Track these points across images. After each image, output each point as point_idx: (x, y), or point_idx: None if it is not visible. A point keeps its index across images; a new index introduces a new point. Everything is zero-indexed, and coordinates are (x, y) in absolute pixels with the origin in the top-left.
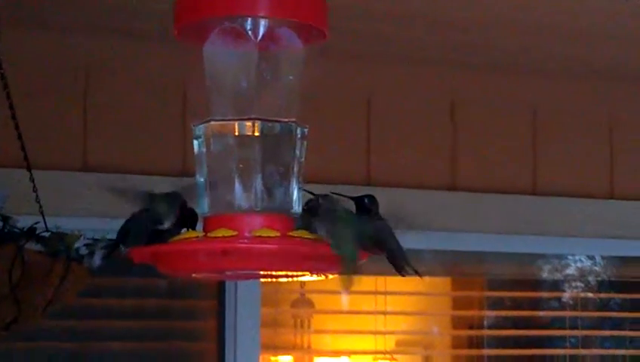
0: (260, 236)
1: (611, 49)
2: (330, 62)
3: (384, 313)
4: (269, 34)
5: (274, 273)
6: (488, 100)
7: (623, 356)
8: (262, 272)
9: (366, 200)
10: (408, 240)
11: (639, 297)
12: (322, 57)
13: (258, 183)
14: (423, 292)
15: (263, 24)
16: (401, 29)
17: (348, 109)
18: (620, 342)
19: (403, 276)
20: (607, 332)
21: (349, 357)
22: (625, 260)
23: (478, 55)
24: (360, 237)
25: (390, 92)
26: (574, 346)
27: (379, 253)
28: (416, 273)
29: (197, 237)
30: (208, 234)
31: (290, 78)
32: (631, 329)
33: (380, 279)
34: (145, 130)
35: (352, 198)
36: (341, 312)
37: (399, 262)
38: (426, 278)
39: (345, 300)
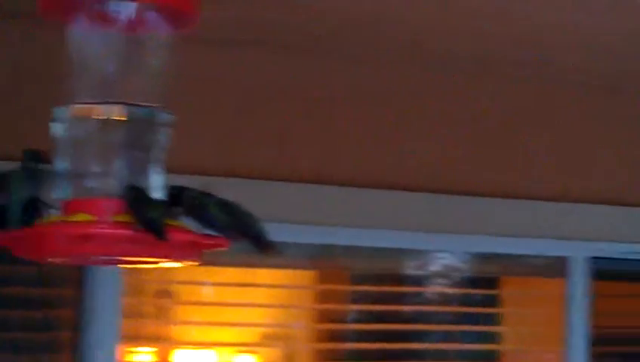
0: (119, 221)
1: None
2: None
3: (248, 305)
4: (136, 17)
5: (133, 259)
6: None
7: (484, 350)
8: (121, 258)
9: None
10: (274, 233)
11: (499, 293)
12: (197, 44)
13: (119, 168)
14: (287, 285)
15: (129, 7)
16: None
17: (213, 97)
18: (479, 337)
19: (265, 257)
20: (468, 327)
21: (212, 349)
22: (486, 256)
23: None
24: (224, 222)
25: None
26: (436, 341)
27: (241, 239)
28: (276, 251)
29: (54, 221)
30: (66, 218)
31: (156, 63)
32: (491, 325)
33: (245, 271)
34: None
35: (206, 185)
36: (205, 304)
37: (263, 247)
38: (291, 271)
39: (208, 291)
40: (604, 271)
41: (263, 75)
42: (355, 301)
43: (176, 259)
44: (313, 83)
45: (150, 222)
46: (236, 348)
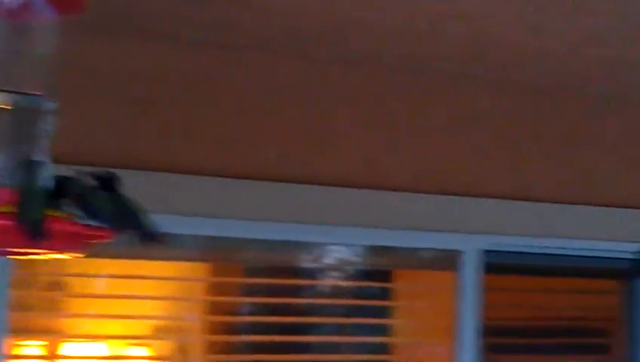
0: (3, 211)
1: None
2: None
3: (141, 298)
4: (22, 3)
5: (18, 250)
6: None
7: (378, 343)
8: (6, 249)
9: (108, 178)
10: (167, 225)
11: (392, 286)
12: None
13: (4, 157)
14: (180, 278)
15: None
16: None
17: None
18: (372, 330)
19: (152, 248)
20: (361, 320)
21: (104, 342)
22: (379, 249)
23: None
24: (109, 213)
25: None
26: (329, 333)
27: (126, 231)
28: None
29: None
30: None
31: (42, 49)
32: (385, 317)
33: (137, 263)
34: None
35: (94, 176)
36: (97, 296)
37: (149, 239)
38: (184, 263)
39: (100, 284)
40: (496, 265)
41: (163, 68)
42: (248, 293)
43: (60, 251)
44: (216, 76)
45: (28, 222)
46: (128, 341)
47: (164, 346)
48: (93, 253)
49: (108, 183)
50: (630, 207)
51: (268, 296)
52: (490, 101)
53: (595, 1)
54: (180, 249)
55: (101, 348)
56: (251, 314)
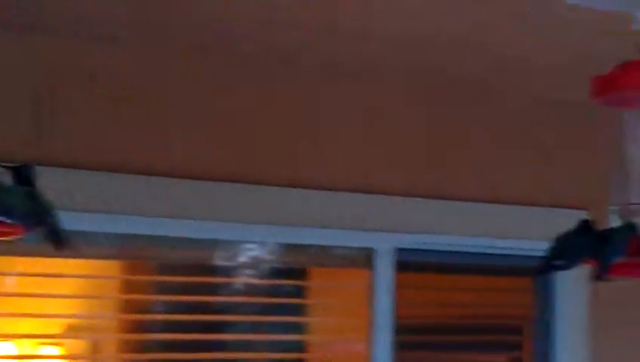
0: None
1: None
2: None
3: (52, 296)
4: None
5: None
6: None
7: (293, 341)
8: None
9: (24, 171)
10: (80, 222)
11: (307, 284)
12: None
13: None
14: (93, 276)
15: None
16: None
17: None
18: (287, 328)
19: (59, 250)
20: (276, 318)
21: (14, 341)
22: (295, 247)
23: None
24: (23, 210)
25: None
26: (245, 331)
27: (36, 228)
28: (69, 245)
29: None
30: None
31: None
32: (300, 315)
33: (49, 261)
34: None
35: (10, 168)
36: (7, 295)
37: (56, 239)
38: (97, 261)
39: (11, 282)
40: (409, 263)
41: (65, 63)
42: (162, 291)
43: None
44: (122, 72)
45: None
46: (40, 340)
47: (77, 345)
48: (3, 251)
49: (24, 176)
50: (541, 205)
51: (182, 293)
52: (404, 99)
53: None
54: (92, 246)
55: (10, 348)
56: (165, 312)
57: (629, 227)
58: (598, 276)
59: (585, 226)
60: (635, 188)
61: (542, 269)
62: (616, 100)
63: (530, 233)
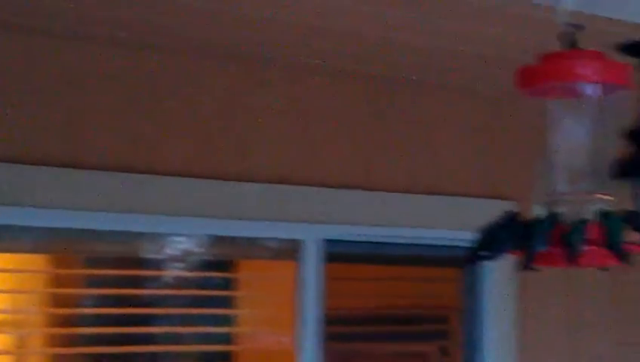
0: None
1: None
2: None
3: None
4: None
5: None
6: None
7: (221, 333)
8: None
9: None
10: (5, 216)
11: (235, 276)
12: None
13: None
14: (19, 270)
15: None
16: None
17: None
18: (216, 320)
19: None
20: (205, 311)
21: None
22: (223, 239)
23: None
24: None
25: None
26: (173, 324)
27: None
28: None
29: None
30: None
31: None
32: (228, 308)
33: None
34: None
35: None
36: None
37: None
38: (22, 255)
39: None
40: (337, 254)
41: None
42: (89, 285)
43: None
44: (43, 65)
45: None
46: None
47: (4, 340)
48: None
49: None
50: (468, 196)
51: (110, 287)
52: (327, 91)
53: None
54: (18, 240)
55: None
56: (93, 305)
57: (553, 217)
58: (524, 266)
59: (510, 217)
60: (559, 178)
61: (468, 260)
62: (540, 90)
63: (457, 223)
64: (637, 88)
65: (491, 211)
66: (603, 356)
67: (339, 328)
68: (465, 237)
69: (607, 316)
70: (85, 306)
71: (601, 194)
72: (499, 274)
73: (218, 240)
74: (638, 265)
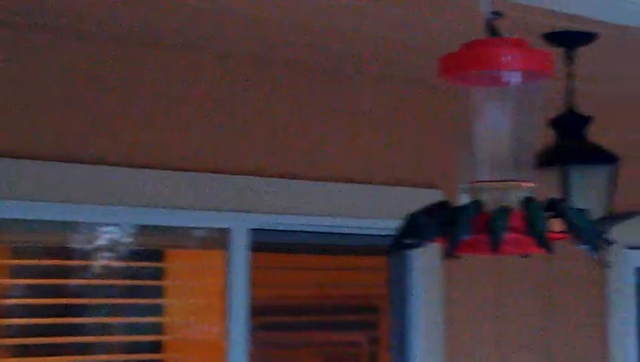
0: None
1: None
2: None
3: None
4: None
5: None
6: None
7: (151, 323)
8: None
9: None
10: None
11: (164, 265)
12: None
13: None
14: None
15: None
16: None
17: None
18: (145, 310)
19: None
20: (134, 301)
21: None
22: (151, 229)
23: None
24: None
25: None
26: (103, 314)
27: None
28: None
29: None
30: None
31: None
32: (157, 297)
33: None
34: None
35: None
36: None
37: None
38: None
39: None
40: (264, 243)
41: None
42: (17, 275)
43: None
44: None
45: None
46: None
47: None
48: None
49: None
50: (393, 185)
51: (38, 277)
52: (252, 79)
53: None
54: None
55: None
56: (21, 296)
57: (476, 205)
58: (448, 254)
59: (434, 204)
60: (483, 166)
61: (393, 248)
62: (463, 78)
63: (384, 212)
64: (564, 77)
65: (418, 199)
66: (528, 343)
67: (268, 318)
68: (392, 225)
69: (532, 304)
70: (12, 297)
71: (525, 182)
72: (425, 263)
73: (146, 229)
74: (562, 253)
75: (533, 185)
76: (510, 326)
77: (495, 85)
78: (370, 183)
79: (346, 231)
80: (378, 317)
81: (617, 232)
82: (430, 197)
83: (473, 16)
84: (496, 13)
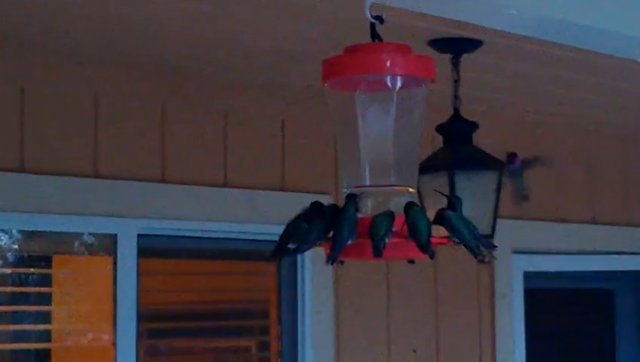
0: None
1: None
2: None
3: None
4: None
5: None
6: None
7: (39, 330)
8: None
9: None
10: None
11: (51, 272)
12: None
13: None
14: None
15: None
16: None
17: None
18: (33, 317)
19: None
20: (22, 308)
21: None
22: (38, 234)
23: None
24: None
25: None
26: None
27: None
28: None
29: None
30: None
31: None
32: (45, 304)
33: None
34: None
35: None
36: None
37: None
38: None
39: None
40: (152, 249)
41: None
42: None
43: None
44: None
45: None
46: None
47: None
48: None
49: None
50: (282, 190)
51: None
52: (126, 84)
53: None
54: None
55: None
56: None
57: (358, 210)
58: (331, 258)
59: (316, 209)
60: (366, 171)
61: (275, 253)
62: (345, 83)
63: (272, 217)
64: (451, 83)
65: (304, 205)
66: (418, 348)
67: (157, 324)
68: (281, 231)
69: (420, 309)
70: None
71: (407, 186)
72: (315, 268)
73: (32, 235)
74: (449, 258)
75: (414, 190)
76: (399, 330)
77: (377, 90)
78: (257, 189)
79: (236, 236)
80: (268, 323)
81: (505, 237)
82: (315, 202)
83: (353, 22)
84: (379, 19)
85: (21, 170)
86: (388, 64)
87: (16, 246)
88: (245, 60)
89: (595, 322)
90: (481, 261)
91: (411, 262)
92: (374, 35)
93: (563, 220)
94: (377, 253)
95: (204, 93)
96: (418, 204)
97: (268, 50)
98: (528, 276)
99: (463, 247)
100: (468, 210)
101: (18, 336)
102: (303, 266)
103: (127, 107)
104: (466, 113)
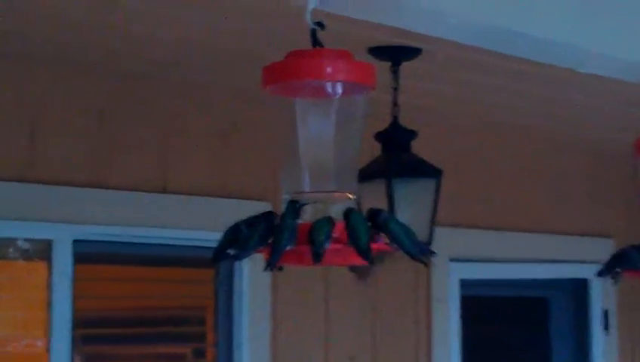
0: None
1: None
2: None
3: None
4: None
5: None
6: None
7: None
8: None
9: None
10: None
11: None
12: None
13: None
14: None
15: None
16: None
17: None
18: None
19: None
20: None
21: None
22: None
23: None
24: None
25: None
26: None
27: None
28: None
29: None
30: None
31: None
32: None
33: None
34: None
35: None
36: None
37: None
38: None
39: None
40: (88, 254)
41: None
42: None
43: None
44: None
45: None
46: None
47: None
48: None
49: None
50: (219, 196)
51: None
52: (57, 87)
53: None
54: None
55: None
56: None
57: (298, 216)
58: (270, 265)
59: (257, 216)
60: (305, 177)
61: (215, 259)
62: (285, 88)
63: (210, 224)
64: (390, 92)
65: (244, 211)
66: (356, 354)
67: (93, 330)
68: (215, 237)
69: (359, 315)
70: None
71: (347, 193)
72: (252, 274)
73: None
74: (387, 263)
75: (355, 196)
76: (337, 336)
77: (317, 96)
78: (196, 195)
79: (172, 242)
80: (204, 330)
81: (441, 245)
82: (259, 209)
83: (295, 25)
84: (320, 25)
85: None
86: (329, 70)
87: None
88: (187, 61)
89: (530, 329)
90: (419, 261)
91: (353, 269)
92: (315, 41)
93: (499, 228)
94: (317, 258)
95: (145, 97)
96: (357, 210)
97: (208, 51)
98: (465, 284)
99: (402, 253)
100: (406, 217)
101: None
102: (240, 272)
103: (64, 111)
104: (405, 121)
